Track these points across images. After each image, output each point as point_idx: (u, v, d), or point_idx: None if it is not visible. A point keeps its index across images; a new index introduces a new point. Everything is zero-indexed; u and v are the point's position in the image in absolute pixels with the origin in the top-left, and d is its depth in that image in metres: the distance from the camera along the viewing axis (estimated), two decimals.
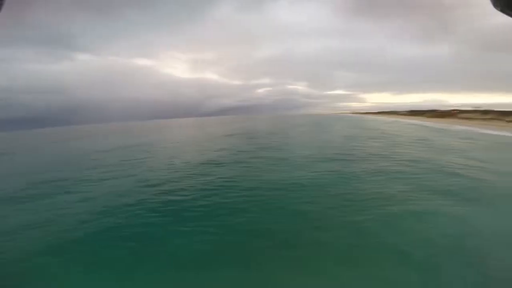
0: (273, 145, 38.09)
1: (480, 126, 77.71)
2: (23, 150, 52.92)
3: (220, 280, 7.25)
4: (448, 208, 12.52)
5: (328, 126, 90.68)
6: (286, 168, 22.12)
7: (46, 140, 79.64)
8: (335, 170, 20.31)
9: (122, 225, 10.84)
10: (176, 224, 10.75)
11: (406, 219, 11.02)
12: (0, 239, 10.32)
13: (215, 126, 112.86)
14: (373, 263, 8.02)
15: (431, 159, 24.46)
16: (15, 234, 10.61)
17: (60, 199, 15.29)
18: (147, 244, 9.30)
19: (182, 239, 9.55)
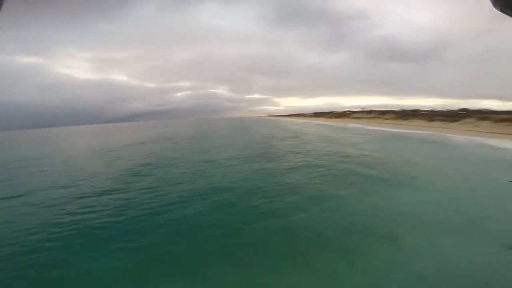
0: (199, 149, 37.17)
1: (366, 123, 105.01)
2: None
3: None
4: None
5: (250, 127, 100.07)
6: (211, 170, 22.84)
7: None
8: (259, 168, 23.10)
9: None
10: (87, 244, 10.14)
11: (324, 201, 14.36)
12: None
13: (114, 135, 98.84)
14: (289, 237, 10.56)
15: (336, 152, 31.31)
16: None
17: None
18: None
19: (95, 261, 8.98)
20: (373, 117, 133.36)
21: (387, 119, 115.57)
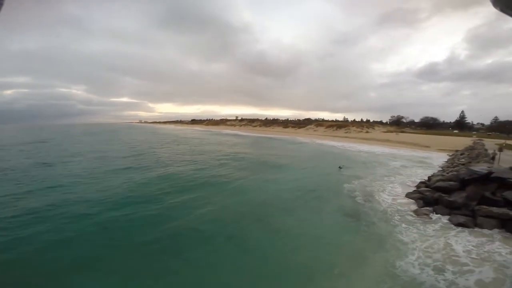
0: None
1: (239, 130, 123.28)
2: None
3: None
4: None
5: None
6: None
7: None
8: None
9: None
10: None
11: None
12: None
13: None
14: None
15: (230, 152, 40.19)
16: None
17: None
18: None
19: None
20: (245, 124, 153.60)
21: (255, 126, 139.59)
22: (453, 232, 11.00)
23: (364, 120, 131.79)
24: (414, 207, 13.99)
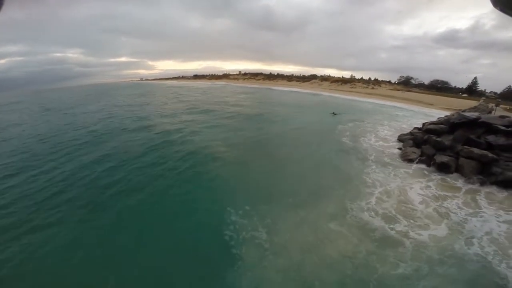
0: None
1: (243, 83, 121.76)
2: None
3: None
4: None
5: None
6: None
7: None
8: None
9: None
10: None
11: None
12: None
13: None
14: None
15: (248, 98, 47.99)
16: None
17: None
18: None
19: None
20: (248, 78, 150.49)
21: (258, 80, 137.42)
22: (421, 180, 11.42)
23: (372, 78, 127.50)
24: (397, 151, 14.98)
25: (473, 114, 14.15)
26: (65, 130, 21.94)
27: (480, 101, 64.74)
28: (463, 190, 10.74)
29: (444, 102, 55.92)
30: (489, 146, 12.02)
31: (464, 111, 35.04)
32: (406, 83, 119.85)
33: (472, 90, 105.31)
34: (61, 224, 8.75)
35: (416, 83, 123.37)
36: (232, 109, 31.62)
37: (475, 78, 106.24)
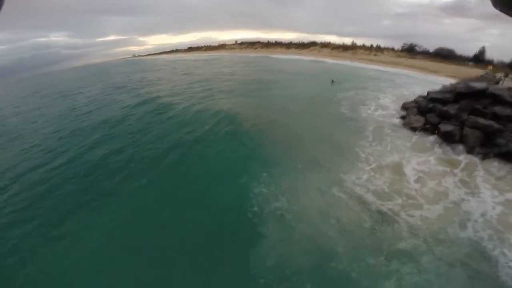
0: None
1: (240, 53, 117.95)
2: None
3: None
4: None
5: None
6: None
7: None
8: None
9: None
10: None
11: None
12: None
13: None
14: None
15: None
16: None
17: None
18: None
19: None
20: (246, 47, 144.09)
21: (256, 48, 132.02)
22: (421, 155, 11.28)
23: (374, 45, 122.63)
24: (398, 121, 14.87)
25: (481, 85, 13.86)
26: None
27: (487, 70, 63.38)
28: (463, 163, 10.77)
29: (449, 70, 54.13)
30: (495, 117, 11.97)
31: (470, 79, 34.49)
32: (410, 50, 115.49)
33: (479, 59, 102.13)
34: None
35: (421, 50, 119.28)
36: (226, 82, 30.58)
37: (483, 47, 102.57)
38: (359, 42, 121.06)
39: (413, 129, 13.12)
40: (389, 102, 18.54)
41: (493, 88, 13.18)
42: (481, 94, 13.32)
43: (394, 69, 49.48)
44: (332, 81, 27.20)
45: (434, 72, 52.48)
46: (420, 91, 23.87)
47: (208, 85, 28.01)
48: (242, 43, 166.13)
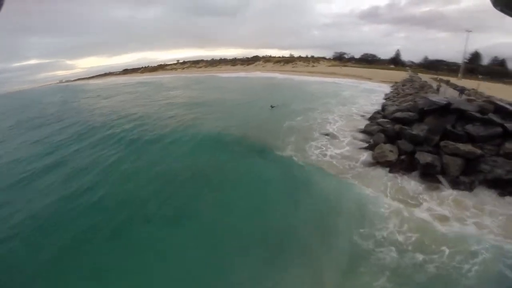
0: None
1: (180, 73, 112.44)
2: None
3: None
4: None
5: None
6: None
7: None
8: None
9: None
10: None
11: None
12: None
13: None
14: None
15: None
16: None
17: None
18: None
19: None
20: (188, 67, 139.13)
21: (199, 67, 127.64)
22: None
23: (309, 56, 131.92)
24: (366, 155, 12.21)
25: (442, 99, 12.65)
26: None
27: (409, 72, 71.93)
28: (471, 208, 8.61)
29: (380, 76, 59.09)
30: (471, 138, 10.50)
31: (404, 84, 36.67)
32: (340, 59, 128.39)
33: (396, 61, 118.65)
34: None
35: (349, 57, 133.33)
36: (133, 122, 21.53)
37: (398, 50, 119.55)
38: (296, 53, 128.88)
39: (387, 164, 10.81)
40: (343, 127, 16.10)
41: (456, 103, 11.94)
42: (445, 110, 11.96)
43: (333, 79, 51.65)
44: (271, 106, 23.19)
45: (369, 78, 56.37)
46: (365, 104, 23.44)
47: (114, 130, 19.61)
48: (184, 62, 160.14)
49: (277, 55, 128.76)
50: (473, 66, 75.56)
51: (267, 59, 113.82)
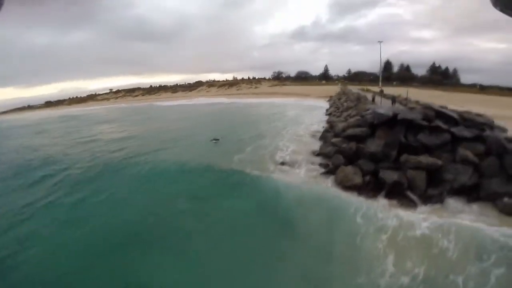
0: None
1: (113, 103, 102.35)
2: None
3: None
4: None
5: None
6: None
7: None
8: None
9: None
10: None
11: None
12: None
13: None
14: None
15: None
16: None
17: None
18: None
19: None
20: (122, 96, 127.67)
21: (136, 96, 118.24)
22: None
23: (251, 77, 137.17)
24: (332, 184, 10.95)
25: (387, 111, 12.51)
26: None
27: (339, 85, 79.94)
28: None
29: (316, 92, 63.45)
30: (427, 149, 10.13)
31: (340, 98, 39.41)
32: (278, 78, 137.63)
33: (326, 76, 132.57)
34: None
35: (286, 76, 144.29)
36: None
37: (326, 66, 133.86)
38: (239, 76, 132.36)
39: (354, 188, 9.60)
40: (296, 152, 14.57)
41: (402, 113, 11.78)
42: (393, 121, 11.68)
43: (276, 100, 53.05)
44: (215, 140, 19.11)
45: (307, 95, 60.06)
46: (310, 122, 23.41)
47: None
48: (118, 91, 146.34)
49: (220, 79, 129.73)
50: (388, 74, 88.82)
51: (211, 84, 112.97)
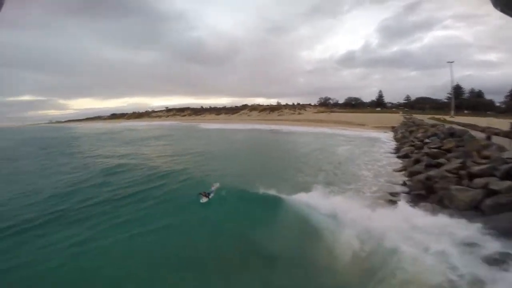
0: None
1: (163, 120, 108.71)
2: None
3: None
4: None
5: None
6: None
7: None
8: None
9: None
10: None
11: None
12: None
13: None
14: None
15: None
16: None
17: None
18: None
19: None
20: (173, 114, 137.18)
21: (184, 115, 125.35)
22: None
23: (295, 103, 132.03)
24: None
25: None
26: None
27: (401, 114, 68.32)
28: None
29: (371, 121, 52.83)
30: None
31: (412, 130, 29.46)
32: (325, 104, 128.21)
33: (380, 103, 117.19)
34: None
35: (334, 102, 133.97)
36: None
37: (380, 91, 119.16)
38: (282, 101, 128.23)
39: None
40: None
41: None
42: None
43: (323, 129, 45.19)
44: (204, 195, 10.94)
45: (362, 125, 50.82)
46: (380, 167, 15.57)
47: None
48: (170, 110, 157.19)
49: (265, 103, 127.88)
50: (459, 101, 72.69)
51: (253, 108, 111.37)
